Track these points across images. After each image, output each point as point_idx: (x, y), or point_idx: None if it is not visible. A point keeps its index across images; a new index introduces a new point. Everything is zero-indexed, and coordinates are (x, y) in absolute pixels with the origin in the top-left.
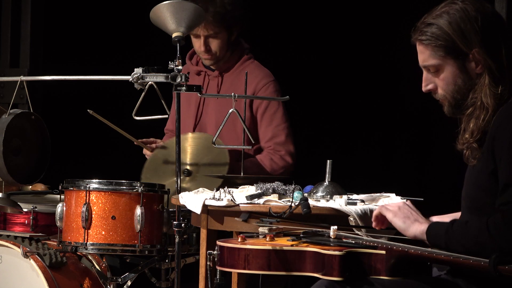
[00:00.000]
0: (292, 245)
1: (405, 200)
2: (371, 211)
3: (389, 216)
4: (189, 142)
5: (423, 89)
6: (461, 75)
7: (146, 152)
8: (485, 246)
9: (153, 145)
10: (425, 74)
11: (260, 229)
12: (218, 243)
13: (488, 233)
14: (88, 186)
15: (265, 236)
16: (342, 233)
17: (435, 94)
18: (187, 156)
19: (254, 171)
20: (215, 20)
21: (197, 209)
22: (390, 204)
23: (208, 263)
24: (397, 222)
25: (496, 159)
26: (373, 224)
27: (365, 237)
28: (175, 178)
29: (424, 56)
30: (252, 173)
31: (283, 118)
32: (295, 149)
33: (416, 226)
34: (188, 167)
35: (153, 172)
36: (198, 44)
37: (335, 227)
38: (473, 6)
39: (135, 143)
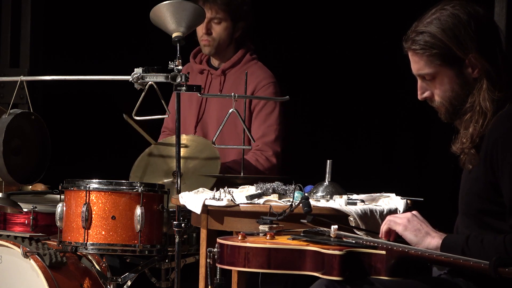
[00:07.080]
0: (292, 244)
1: (405, 200)
2: (371, 211)
3: (399, 229)
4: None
5: (419, 97)
6: (458, 81)
7: None
8: None
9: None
10: (420, 82)
11: (261, 227)
12: (219, 240)
13: (505, 252)
14: (88, 186)
15: (265, 235)
16: (342, 232)
17: (431, 102)
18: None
19: (238, 171)
20: (222, 2)
21: (197, 209)
22: (398, 216)
23: (208, 260)
24: (408, 235)
25: (498, 176)
26: (380, 235)
27: (365, 237)
28: (164, 180)
29: (419, 65)
30: (236, 173)
31: (278, 119)
32: (282, 151)
33: (428, 240)
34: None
35: (143, 172)
36: (200, 27)
37: (336, 226)
38: (464, 10)
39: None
